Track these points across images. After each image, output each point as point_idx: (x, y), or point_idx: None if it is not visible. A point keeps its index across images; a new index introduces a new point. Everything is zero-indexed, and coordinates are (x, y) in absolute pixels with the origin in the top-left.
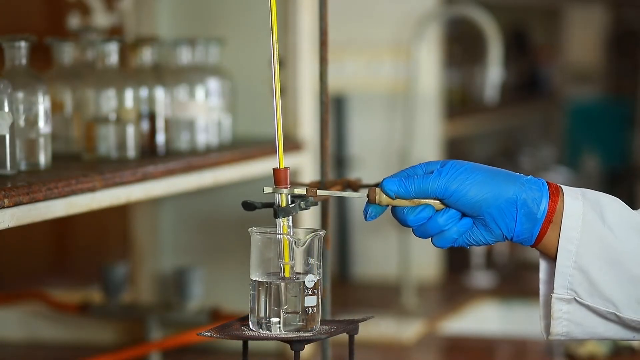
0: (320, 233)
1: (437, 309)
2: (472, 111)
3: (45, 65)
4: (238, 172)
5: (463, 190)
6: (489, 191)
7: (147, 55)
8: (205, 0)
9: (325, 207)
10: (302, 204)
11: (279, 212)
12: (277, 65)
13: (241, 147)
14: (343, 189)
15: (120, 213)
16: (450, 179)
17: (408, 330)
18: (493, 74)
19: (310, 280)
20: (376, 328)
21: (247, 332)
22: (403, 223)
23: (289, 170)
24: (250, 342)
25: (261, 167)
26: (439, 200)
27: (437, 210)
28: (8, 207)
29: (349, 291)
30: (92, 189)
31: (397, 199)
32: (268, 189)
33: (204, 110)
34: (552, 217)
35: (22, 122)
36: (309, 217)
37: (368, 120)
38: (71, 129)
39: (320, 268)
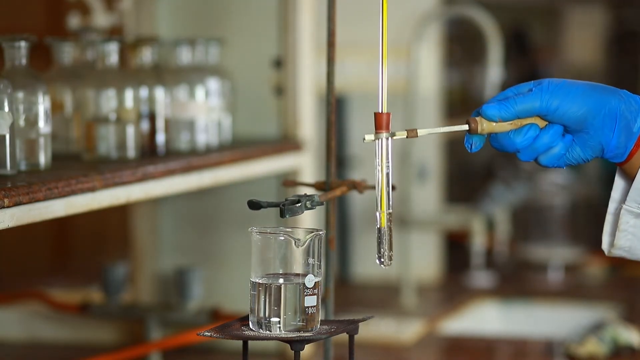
0: (320, 233)
1: (437, 309)
2: (472, 111)
3: (45, 65)
4: (238, 172)
5: (568, 103)
6: (593, 102)
7: (147, 55)
8: (205, 0)
9: (330, 207)
10: (308, 204)
11: (285, 211)
12: None
13: (241, 147)
14: (348, 190)
15: (120, 213)
16: (553, 94)
17: (408, 330)
18: (493, 74)
19: (310, 280)
20: (376, 328)
21: (247, 332)
22: (510, 147)
23: (390, 115)
24: (250, 342)
25: (261, 167)
26: (541, 117)
27: (540, 129)
28: (8, 207)
29: (349, 291)
30: (92, 189)
31: (499, 124)
32: (369, 137)
33: (204, 110)
34: None
35: (22, 122)
36: (311, 217)
37: (368, 120)
38: (71, 129)
39: (320, 268)
